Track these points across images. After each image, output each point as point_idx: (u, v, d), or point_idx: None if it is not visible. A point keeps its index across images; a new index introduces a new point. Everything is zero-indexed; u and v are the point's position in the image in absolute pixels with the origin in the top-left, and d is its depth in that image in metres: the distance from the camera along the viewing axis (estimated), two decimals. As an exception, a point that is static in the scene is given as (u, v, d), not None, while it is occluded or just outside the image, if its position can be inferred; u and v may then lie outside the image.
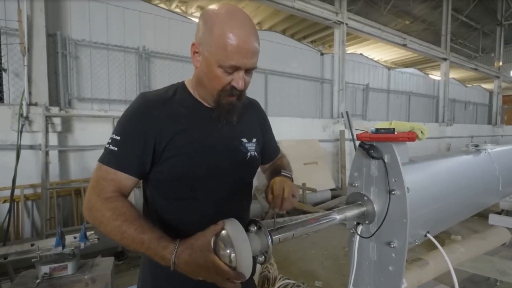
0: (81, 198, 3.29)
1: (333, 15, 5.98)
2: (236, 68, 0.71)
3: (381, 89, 8.03)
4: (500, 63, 11.78)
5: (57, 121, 3.22)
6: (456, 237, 3.18)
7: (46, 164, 3.11)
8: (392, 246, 0.72)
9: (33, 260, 1.60)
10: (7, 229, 2.84)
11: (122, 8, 4.02)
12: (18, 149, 2.93)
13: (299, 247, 3.30)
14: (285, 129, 5.28)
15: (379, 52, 9.57)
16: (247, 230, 0.63)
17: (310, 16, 5.75)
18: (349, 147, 6.18)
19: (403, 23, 9.96)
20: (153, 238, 0.62)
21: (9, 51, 3.16)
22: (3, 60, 3.15)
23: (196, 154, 0.75)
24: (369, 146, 0.75)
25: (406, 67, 10.04)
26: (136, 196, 3.29)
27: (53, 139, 3.20)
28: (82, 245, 1.75)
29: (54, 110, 3.22)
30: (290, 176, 0.86)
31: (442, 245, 0.84)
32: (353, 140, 6.08)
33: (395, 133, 0.73)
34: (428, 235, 0.80)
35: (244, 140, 0.85)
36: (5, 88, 3.20)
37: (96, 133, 3.45)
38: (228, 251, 0.58)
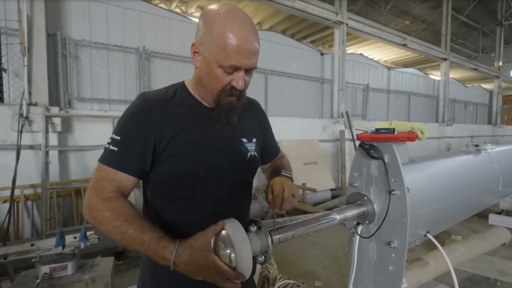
0: (81, 198, 3.29)
1: (333, 15, 5.98)
2: (236, 68, 0.71)
3: (381, 89, 8.03)
4: (500, 63, 11.78)
5: (57, 121, 3.22)
6: (456, 237, 3.18)
7: (46, 164, 3.11)
8: (392, 246, 0.72)
9: (33, 260, 1.60)
10: (7, 229, 2.84)
11: (122, 8, 4.02)
12: (18, 149, 2.93)
13: (299, 247, 3.30)
14: (285, 129, 5.28)
15: (379, 52, 9.57)
16: (247, 230, 0.63)
17: (310, 16, 5.75)
18: (349, 147, 6.18)
19: (403, 23, 9.96)
20: (153, 238, 0.62)
21: (9, 51, 3.16)
22: (3, 60, 3.15)
23: (196, 154, 0.75)
24: (369, 146, 0.75)
25: (406, 67, 10.04)
26: (136, 196, 3.29)
27: (53, 139, 3.20)
28: (82, 245, 1.75)
29: (54, 110, 3.22)
30: (290, 176, 0.86)
31: (442, 245, 0.84)
32: (353, 140, 6.08)
33: (395, 133, 0.73)
34: (428, 235, 0.80)
35: (244, 140, 0.85)
36: (5, 88, 3.20)
37: (96, 133, 3.45)
38: (228, 251, 0.58)
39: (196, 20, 0.75)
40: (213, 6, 0.72)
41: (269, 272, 1.97)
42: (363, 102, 7.36)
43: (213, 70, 0.72)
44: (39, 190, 3.11)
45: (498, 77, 11.84)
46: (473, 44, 12.24)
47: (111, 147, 0.72)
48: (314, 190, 4.58)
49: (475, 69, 10.56)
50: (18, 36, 3.01)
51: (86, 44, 3.70)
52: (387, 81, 8.30)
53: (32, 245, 1.79)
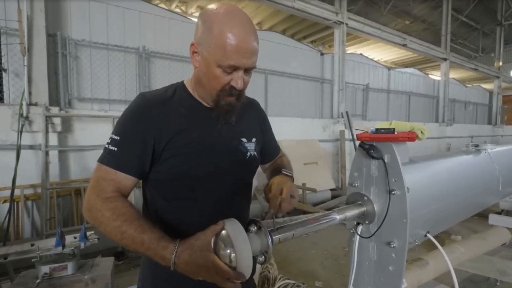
0: (81, 198, 3.29)
1: (333, 15, 5.98)
2: (235, 68, 0.71)
3: (381, 89, 8.03)
4: (500, 63, 11.78)
5: (57, 121, 3.22)
6: (456, 237, 3.18)
7: (46, 164, 3.11)
8: (392, 246, 0.72)
9: (33, 260, 1.60)
10: (7, 229, 2.84)
11: (122, 8, 4.02)
12: (18, 149, 2.93)
13: (299, 247, 3.30)
14: (285, 129, 5.28)
15: (379, 52, 9.57)
16: (247, 230, 0.63)
17: (310, 16, 5.76)
18: (349, 147, 6.18)
19: (403, 23, 9.96)
20: (153, 238, 0.62)
21: (9, 51, 3.16)
22: (3, 60, 3.15)
23: (196, 154, 0.75)
24: (369, 146, 0.75)
25: (406, 67, 10.04)
26: (136, 196, 3.29)
27: (53, 139, 3.20)
28: (82, 245, 1.75)
29: (54, 110, 3.22)
30: (290, 174, 0.85)
31: (442, 245, 0.84)
32: (353, 140, 6.08)
33: (395, 133, 0.73)
34: (428, 235, 0.80)
35: (244, 140, 0.85)
36: (5, 88, 3.20)
37: (96, 133, 3.45)
38: (228, 251, 0.58)
39: (196, 20, 0.75)
40: (212, 6, 0.72)
41: (269, 272, 1.97)
42: (363, 102, 7.36)
43: (212, 70, 0.72)
44: (39, 190, 3.11)
45: (498, 77, 11.84)
46: (473, 44, 12.25)
47: (111, 147, 0.72)
48: (314, 190, 4.58)
49: (475, 69, 10.57)
50: (18, 36, 3.01)
51: (86, 44, 3.70)
52: (387, 81, 8.30)
53: (32, 245, 1.79)
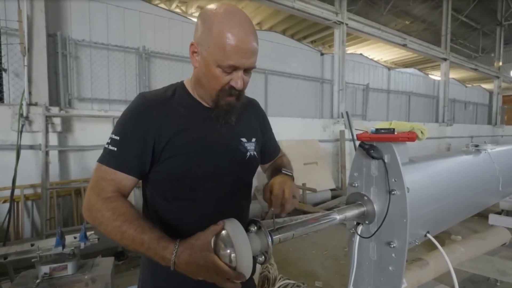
0: (81, 198, 3.29)
1: (333, 15, 5.98)
2: (234, 68, 0.71)
3: (381, 89, 8.03)
4: (500, 63, 11.78)
5: (57, 121, 3.22)
6: (456, 237, 3.18)
7: (46, 164, 3.11)
8: (392, 246, 0.72)
9: (33, 260, 1.60)
10: (7, 229, 2.84)
11: (122, 8, 4.02)
12: (18, 149, 2.93)
13: (299, 247, 3.30)
14: (285, 129, 5.28)
15: (379, 52, 9.57)
16: (247, 230, 0.63)
17: (310, 16, 5.76)
18: (349, 147, 6.18)
19: (403, 23, 9.97)
20: (153, 238, 0.62)
21: (9, 51, 3.16)
22: (3, 60, 3.15)
23: (195, 154, 0.75)
24: (369, 146, 0.75)
25: (406, 67, 10.04)
26: (136, 196, 3.29)
27: (53, 139, 3.20)
28: (82, 245, 1.75)
29: (54, 110, 3.22)
30: (290, 174, 0.85)
31: (442, 245, 0.84)
32: (353, 140, 6.08)
33: (395, 133, 0.73)
34: (428, 235, 0.80)
35: (244, 139, 0.85)
36: (5, 88, 3.20)
37: (96, 133, 3.45)
38: (228, 251, 0.58)
39: (196, 20, 0.75)
40: (212, 6, 0.72)
41: (269, 272, 1.97)
42: (363, 102, 7.36)
43: (211, 70, 0.72)
44: (39, 190, 3.11)
45: (498, 77, 11.84)
46: (473, 44, 12.25)
47: (111, 147, 0.72)
48: (314, 190, 4.58)
49: (475, 69, 10.57)
50: (18, 36, 3.01)
51: (86, 44, 3.70)
52: (387, 81, 8.30)
53: (32, 245, 1.79)
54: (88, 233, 1.82)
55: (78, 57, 3.69)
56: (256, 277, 1.82)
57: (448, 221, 0.97)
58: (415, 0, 8.83)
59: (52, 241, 1.69)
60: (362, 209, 0.78)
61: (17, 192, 2.96)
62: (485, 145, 1.18)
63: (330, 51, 7.16)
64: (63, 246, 1.66)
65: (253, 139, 0.87)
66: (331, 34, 6.62)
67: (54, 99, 3.41)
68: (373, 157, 0.74)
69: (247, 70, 0.75)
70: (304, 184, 4.60)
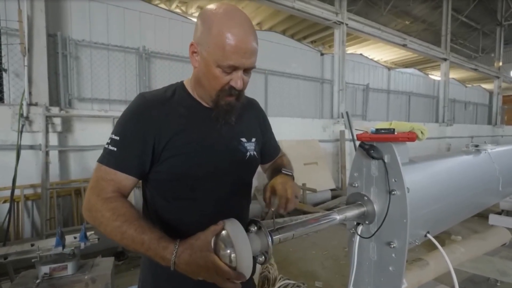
0: (81, 198, 3.29)
1: (333, 16, 5.98)
2: (234, 68, 0.71)
3: (381, 89, 8.03)
4: (500, 63, 11.78)
5: (57, 121, 3.22)
6: (456, 237, 3.18)
7: (46, 164, 3.11)
8: (392, 246, 0.72)
9: (33, 260, 1.60)
10: (7, 229, 2.84)
11: (122, 8, 4.02)
12: (18, 149, 2.93)
13: (299, 247, 3.30)
14: (285, 129, 5.28)
15: (379, 52, 9.57)
16: (247, 230, 0.63)
17: (310, 16, 5.76)
18: (349, 147, 6.17)
19: (403, 23, 9.97)
20: (153, 239, 0.62)
21: (9, 51, 3.16)
22: (3, 60, 3.15)
23: (195, 154, 0.75)
24: (369, 146, 0.75)
25: (406, 67, 10.04)
26: (136, 196, 3.29)
27: (53, 139, 3.20)
28: (82, 245, 1.75)
29: (54, 110, 3.22)
30: (291, 174, 0.86)
31: (442, 245, 0.84)
32: (353, 140, 6.08)
33: (395, 133, 0.73)
34: (428, 235, 0.80)
35: (243, 139, 0.85)
36: (5, 88, 3.20)
37: (96, 133, 3.45)
38: (228, 251, 0.58)
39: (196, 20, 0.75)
40: (211, 6, 0.72)
41: (269, 272, 1.97)
42: (363, 102, 7.36)
43: (211, 70, 0.72)
44: (39, 190, 3.11)
45: (498, 77, 11.84)
46: (473, 44, 12.25)
47: (110, 147, 0.72)
48: (314, 191, 4.58)
49: (475, 69, 10.57)
50: (19, 36, 3.01)
51: (86, 44, 3.70)
52: (387, 81, 8.30)
53: (32, 245, 1.79)
54: (88, 233, 1.83)
55: (78, 57, 3.69)
56: (256, 277, 1.82)
57: (448, 221, 0.96)
58: (415, 0, 8.83)
59: (52, 241, 1.69)
60: (362, 209, 0.78)
61: (17, 192, 2.96)
62: (485, 145, 1.18)
63: (330, 51, 7.16)
64: (63, 246, 1.66)
65: (253, 139, 0.87)
66: (331, 34, 6.62)
67: (54, 99, 3.41)
68: (373, 157, 0.74)
69: (247, 70, 0.75)
70: (304, 184, 4.60)
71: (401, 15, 9.61)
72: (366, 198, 0.78)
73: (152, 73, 4.29)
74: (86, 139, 3.44)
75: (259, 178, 4.62)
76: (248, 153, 0.85)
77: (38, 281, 1.55)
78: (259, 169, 0.97)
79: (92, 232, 1.90)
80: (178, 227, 0.77)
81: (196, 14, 7.04)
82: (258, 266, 1.78)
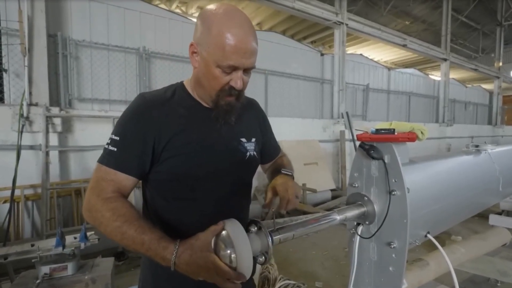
0: (81, 198, 3.30)
1: (333, 16, 5.99)
2: (234, 68, 0.71)
3: (381, 90, 8.03)
4: (500, 64, 11.78)
5: (57, 121, 3.22)
6: (457, 238, 3.18)
7: (47, 165, 3.12)
8: (392, 246, 0.72)
9: (33, 260, 1.60)
10: (7, 229, 2.84)
11: (122, 9, 4.02)
12: (19, 149, 2.93)
13: (300, 247, 3.30)
14: (285, 130, 5.28)
15: (379, 52, 9.58)
16: (247, 230, 0.63)
17: (310, 16, 5.76)
18: (349, 147, 6.17)
19: (403, 23, 9.97)
20: (153, 239, 0.62)
21: (9, 52, 3.16)
22: (3, 61, 3.16)
23: (195, 154, 0.76)
24: (369, 147, 0.75)
25: (406, 67, 10.04)
26: (136, 197, 3.29)
27: (54, 140, 3.20)
28: (82, 245, 1.75)
29: (55, 110, 3.22)
30: (290, 174, 0.86)
31: (442, 245, 0.84)
32: (353, 140, 6.08)
33: (395, 133, 0.73)
34: (428, 235, 0.80)
35: (243, 140, 0.85)
36: (5, 89, 3.20)
37: (96, 133, 3.45)
38: (229, 251, 0.58)
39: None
40: (211, 6, 0.72)
41: (269, 272, 1.97)
42: (363, 103, 7.36)
43: (211, 70, 0.72)
44: (39, 190, 3.11)
45: (498, 78, 11.84)
46: (473, 45, 12.25)
47: (110, 148, 0.72)
48: (314, 191, 4.58)
49: (475, 70, 10.57)
50: (19, 37, 3.01)
51: (86, 44, 3.70)
52: (387, 82, 8.30)
53: (32, 245, 1.79)
54: (88, 234, 1.83)
55: (78, 58, 3.69)
56: (256, 278, 1.82)
57: (449, 222, 0.96)
58: (415, 1, 8.83)
59: (52, 241, 1.69)
60: (363, 209, 0.78)
61: (17, 192, 2.96)
62: (485, 145, 1.18)
63: (330, 52, 7.16)
64: (63, 247, 1.66)
65: (253, 139, 0.87)
66: (331, 35, 6.62)
67: (54, 100, 3.42)
68: (373, 158, 0.74)
69: (247, 70, 0.75)
70: (304, 185, 4.60)
71: (401, 15, 9.61)
72: (366, 198, 0.78)
73: (152, 73, 4.29)
74: (86, 139, 3.44)
75: (259, 178, 4.62)
76: (248, 153, 0.85)
77: (38, 281, 1.55)
78: (259, 169, 0.97)
79: (92, 232, 1.90)
80: (178, 227, 0.77)
81: (196, 15, 7.04)
82: (258, 267, 1.78)
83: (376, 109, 7.79)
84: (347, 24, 6.18)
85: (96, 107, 3.79)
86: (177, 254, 0.60)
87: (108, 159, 0.72)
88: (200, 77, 0.76)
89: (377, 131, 0.74)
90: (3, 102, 3.17)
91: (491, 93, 12.70)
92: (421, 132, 0.76)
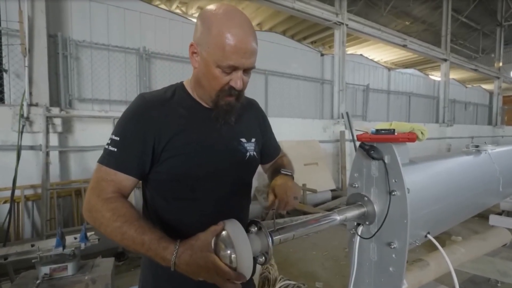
0: (81, 198, 3.30)
1: (333, 16, 5.99)
2: (234, 68, 0.71)
3: (381, 90, 8.03)
4: (500, 64, 11.78)
5: (57, 121, 3.22)
6: (457, 238, 3.18)
7: (47, 165, 3.12)
8: (392, 247, 0.72)
9: (33, 260, 1.60)
10: (7, 229, 2.84)
11: (122, 9, 4.03)
12: (19, 149, 2.93)
13: (300, 248, 3.30)
14: (285, 130, 5.28)
15: (379, 52, 9.58)
16: (247, 230, 0.63)
17: (310, 17, 5.76)
18: (349, 147, 6.17)
19: (403, 23, 9.97)
20: (153, 239, 0.62)
21: (10, 52, 3.16)
22: (4, 61, 3.16)
23: (195, 154, 0.76)
24: (369, 147, 0.75)
25: (406, 67, 10.04)
26: (136, 197, 3.29)
27: (54, 140, 3.21)
28: (83, 245, 1.75)
29: (55, 110, 3.23)
30: (290, 174, 0.86)
31: (442, 246, 0.84)
32: (353, 140, 6.08)
33: (395, 134, 0.73)
34: (428, 235, 0.80)
35: (243, 140, 0.85)
36: (6, 89, 3.20)
37: (96, 133, 3.46)
38: (229, 251, 0.58)
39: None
40: (211, 7, 0.72)
41: (269, 273, 1.96)
42: (363, 103, 7.36)
43: (211, 70, 0.72)
44: (39, 190, 3.11)
45: (498, 78, 11.84)
46: (473, 45, 12.25)
47: (111, 148, 0.72)
48: (314, 191, 4.58)
49: (475, 70, 10.57)
50: (19, 37, 3.01)
51: (86, 45, 3.71)
52: (387, 82, 8.30)
53: (32, 245, 1.79)
54: (88, 234, 1.83)
55: (78, 58, 3.69)
56: (256, 278, 1.82)
57: (449, 222, 0.96)
58: (415, 1, 8.84)
59: (53, 241, 1.69)
60: (363, 209, 0.78)
61: (17, 192, 2.96)
62: (485, 146, 1.18)
63: (330, 52, 7.17)
64: (64, 247, 1.66)
65: (253, 140, 0.88)
66: (331, 35, 6.63)
67: (54, 100, 3.42)
68: (373, 158, 0.74)
69: (247, 70, 0.75)
70: (304, 185, 4.60)
71: (401, 16, 9.61)
72: (366, 198, 0.78)
73: (153, 74, 4.29)
74: (86, 140, 3.44)
75: (259, 178, 4.62)
76: (248, 154, 0.85)
77: (38, 281, 1.55)
78: (259, 169, 0.97)
79: (93, 232, 1.90)
80: (178, 227, 0.77)
81: (196, 15, 7.05)
82: (258, 267, 1.78)
83: (376, 109, 7.79)
84: (347, 25, 6.19)
85: (96, 107, 3.79)
86: (177, 254, 0.60)
87: (108, 159, 0.72)
88: (200, 77, 0.76)
89: (377, 131, 0.74)
90: (3, 103, 3.17)
91: (491, 93, 12.70)
92: (421, 133, 0.76)
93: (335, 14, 6.03)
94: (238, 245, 0.58)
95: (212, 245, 0.60)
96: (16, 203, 2.97)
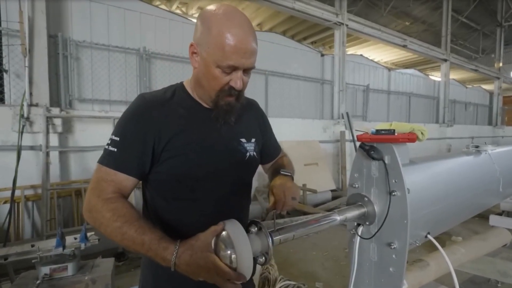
0: (81, 199, 3.30)
1: (333, 16, 5.99)
2: (234, 68, 0.71)
3: (381, 90, 8.03)
4: (500, 64, 11.79)
5: (57, 122, 3.22)
6: (457, 238, 3.18)
7: (47, 165, 3.12)
8: (392, 247, 0.72)
9: (33, 261, 1.60)
10: (7, 230, 2.84)
11: (123, 9, 4.03)
12: (19, 150, 2.94)
13: (300, 248, 3.30)
14: (285, 130, 5.29)
15: (379, 53, 9.58)
16: (247, 231, 0.63)
17: (310, 17, 5.76)
18: (349, 148, 6.17)
19: (403, 24, 9.97)
20: (153, 239, 0.62)
21: (10, 52, 3.16)
22: (4, 61, 3.16)
23: (195, 154, 0.76)
24: (369, 147, 0.75)
25: (406, 68, 10.05)
26: (136, 197, 3.29)
27: (54, 140, 3.21)
28: (83, 246, 1.75)
29: (55, 111, 3.23)
30: (289, 174, 0.86)
31: (442, 246, 0.84)
32: (353, 141, 6.08)
33: (396, 134, 0.73)
34: (428, 236, 0.80)
35: (243, 140, 0.85)
36: (6, 89, 3.21)
37: (96, 134, 3.46)
38: (229, 252, 0.58)
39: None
40: (211, 7, 0.72)
41: (269, 273, 1.96)
42: (363, 103, 7.36)
43: (211, 70, 0.72)
44: (39, 191, 3.12)
45: (498, 78, 11.84)
46: (473, 45, 12.25)
47: (111, 148, 0.72)
48: (314, 191, 4.58)
49: (475, 70, 10.57)
50: (19, 37, 3.02)
51: (87, 45, 3.71)
52: (388, 82, 8.31)
53: (32, 246, 1.79)
54: (88, 234, 1.83)
55: (79, 58, 3.70)
56: (256, 278, 1.82)
57: (449, 222, 0.96)
58: (415, 1, 8.84)
59: (53, 242, 1.69)
60: (363, 210, 0.78)
61: (17, 193, 2.96)
62: (485, 146, 1.18)
63: (330, 52, 7.17)
64: (64, 247, 1.66)
65: (253, 140, 0.88)
66: (332, 35, 6.63)
67: (54, 100, 3.42)
68: (373, 158, 0.74)
69: (247, 71, 0.75)
70: (304, 185, 4.60)
71: (401, 16, 9.62)
72: (366, 199, 0.78)
73: (153, 74, 4.30)
74: (86, 140, 3.44)
75: (259, 179, 4.63)
76: (247, 154, 0.85)
77: (38, 282, 1.55)
78: (259, 169, 0.97)
79: (93, 233, 1.90)
80: (178, 227, 0.77)
81: (197, 15, 7.05)
82: (258, 267, 1.78)
83: (376, 109, 7.79)
84: (347, 25, 6.19)
85: (96, 107, 3.79)
86: (177, 255, 0.60)
87: (108, 159, 0.72)
88: (200, 77, 0.76)
89: (377, 131, 0.74)
90: (4, 103, 3.17)
91: (491, 93, 12.70)
92: (421, 133, 0.76)
93: (335, 15, 6.03)
94: (238, 245, 0.58)
95: (212, 245, 0.60)
96: (16, 203, 2.97)
